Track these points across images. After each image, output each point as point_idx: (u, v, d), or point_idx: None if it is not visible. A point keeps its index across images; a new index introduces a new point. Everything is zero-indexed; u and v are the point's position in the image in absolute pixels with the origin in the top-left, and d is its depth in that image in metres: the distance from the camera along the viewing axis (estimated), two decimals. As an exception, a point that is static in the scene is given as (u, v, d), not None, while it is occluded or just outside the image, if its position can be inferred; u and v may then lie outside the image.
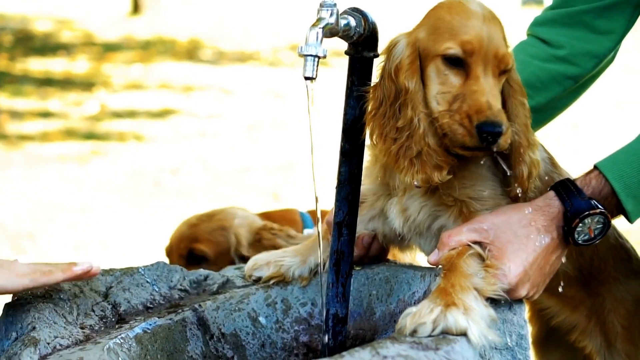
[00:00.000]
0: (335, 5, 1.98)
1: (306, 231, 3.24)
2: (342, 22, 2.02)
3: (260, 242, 3.08)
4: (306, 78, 1.93)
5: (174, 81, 10.83)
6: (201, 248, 3.11)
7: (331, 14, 1.98)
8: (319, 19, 1.97)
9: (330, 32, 1.98)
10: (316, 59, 1.91)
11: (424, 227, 2.20)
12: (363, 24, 2.07)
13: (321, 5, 1.98)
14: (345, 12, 2.07)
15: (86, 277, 2.12)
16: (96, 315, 2.11)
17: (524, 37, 2.78)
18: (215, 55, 12.82)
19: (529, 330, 2.09)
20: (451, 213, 2.17)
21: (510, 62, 2.09)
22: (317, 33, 1.93)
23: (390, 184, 2.24)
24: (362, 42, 2.11)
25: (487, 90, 2.02)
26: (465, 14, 2.07)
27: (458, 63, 2.05)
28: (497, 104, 2.03)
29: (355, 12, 2.08)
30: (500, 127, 2.00)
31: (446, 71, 2.06)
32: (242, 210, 3.26)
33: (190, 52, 13.00)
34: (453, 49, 2.04)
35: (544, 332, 2.62)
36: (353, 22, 2.05)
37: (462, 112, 2.02)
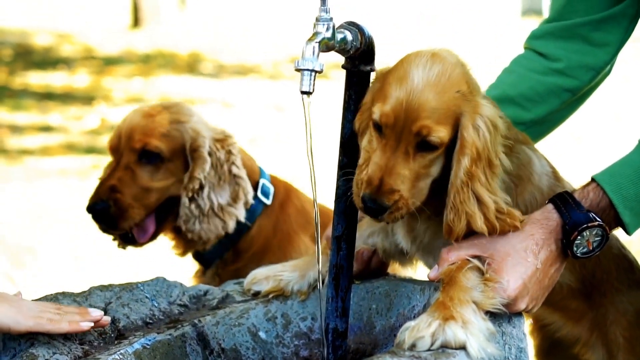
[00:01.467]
0: (331, 19, 1.99)
1: (261, 181, 3.01)
2: (339, 36, 2.03)
3: (210, 155, 2.86)
4: (303, 92, 1.94)
5: (174, 94, 10.83)
6: (156, 144, 2.82)
7: (327, 28, 1.98)
8: (316, 34, 1.97)
9: (326, 46, 1.99)
10: (313, 74, 1.92)
11: (433, 246, 2.20)
12: (360, 38, 2.08)
13: (317, 20, 1.99)
14: (341, 26, 2.07)
15: (95, 327, 2.08)
16: (95, 331, 2.11)
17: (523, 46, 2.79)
18: (216, 68, 12.84)
19: (528, 343, 2.09)
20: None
21: (436, 137, 2.00)
22: (314, 47, 1.94)
23: None
24: (358, 56, 2.12)
25: (384, 165, 2.00)
26: (403, 79, 2.02)
27: (380, 129, 2.05)
28: (390, 180, 1.99)
29: (352, 26, 2.08)
30: (378, 204, 2.00)
31: (373, 132, 2.07)
32: (197, 111, 3.01)
33: (191, 66, 13.01)
34: (376, 114, 2.04)
35: (546, 345, 2.62)
36: (349, 36, 2.06)
37: (360, 178, 2.05)
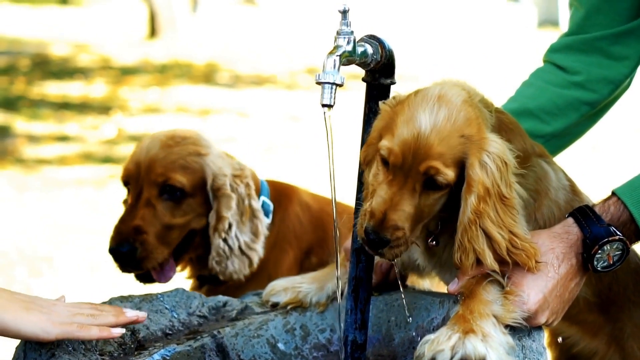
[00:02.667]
0: (352, 32, 1.99)
1: (261, 198, 2.88)
2: (359, 49, 2.03)
3: (233, 191, 2.75)
4: (324, 105, 1.94)
5: (190, 104, 10.87)
6: (179, 179, 2.68)
7: (348, 42, 1.99)
8: (336, 47, 1.98)
9: (347, 59, 1.99)
10: (334, 87, 1.92)
11: (451, 263, 2.20)
12: (380, 51, 2.08)
13: (338, 33, 1.99)
14: (362, 40, 2.08)
15: (132, 323, 2.09)
16: (115, 342, 2.12)
17: (540, 57, 2.79)
18: (232, 78, 12.88)
19: (547, 356, 2.08)
20: None
21: (443, 178, 2.00)
22: (335, 61, 1.94)
23: None
24: (379, 69, 2.12)
25: (390, 200, 2.01)
26: (409, 121, 2.02)
27: (387, 164, 2.05)
28: (395, 216, 1.99)
29: (372, 39, 2.09)
30: (380, 238, 2.00)
31: (380, 166, 2.08)
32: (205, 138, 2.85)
33: (207, 76, 13.06)
34: (383, 150, 2.04)
35: (563, 358, 2.61)
36: (370, 50, 2.07)
37: (365, 209, 2.05)
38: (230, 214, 2.71)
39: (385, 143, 2.03)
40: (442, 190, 2.03)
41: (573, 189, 2.33)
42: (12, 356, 2.08)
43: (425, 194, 2.02)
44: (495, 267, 2.01)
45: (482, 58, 13.85)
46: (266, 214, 2.86)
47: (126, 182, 2.75)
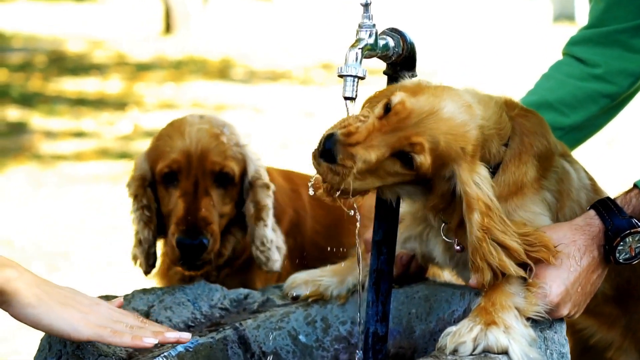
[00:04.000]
0: (374, 26, 2.00)
1: None
2: (381, 42, 2.04)
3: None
4: (346, 98, 1.95)
5: (205, 100, 10.88)
6: (232, 166, 2.64)
7: (370, 35, 2.00)
8: (358, 40, 1.98)
9: (369, 52, 2.00)
10: (356, 80, 1.93)
11: None
12: (401, 44, 2.09)
13: (360, 26, 1.99)
14: (383, 33, 2.08)
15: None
16: (138, 334, 2.12)
17: (556, 52, 2.79)
18: (247, 74, 12.89)
19: (569, 348, 2.08)
20: None
21: (420, 156, 1.99)
22: (357, 54, 1.95)
23: (429, 218, 2.24)
24: (400, 62, 2.13)
25: (367, 136, 1.98)
26: (434, 95, 2.04)
27: (387, 111, 2.03)
28: (362, 149, 1.97)
29: (394, 32, 2.10)
30: (335, 151, 1.97)
31: (377, 109, 2.05)
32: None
33: (222, 72, 13.07)
34: (397, 97, 2.02)
35: (579, 349, 2.61)
36: (392, 43, 2.07)
37: (345, 121, 2.02)
38: (269, 202, 2.70)
39: (399, 97, 2.00)
40: (407, 169, 2.00)
41: (594, 188, 2.33)
42: (37, 347, 2.09)
43: (393, 161, 2.00)
44: (521, 272, 1.98)
45: (498, 53, 13.82)
46: None
47: (172, 173, 2.64)
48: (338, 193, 2.02)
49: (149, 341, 1.96)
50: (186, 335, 2.04)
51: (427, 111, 1.99)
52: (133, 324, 2.00)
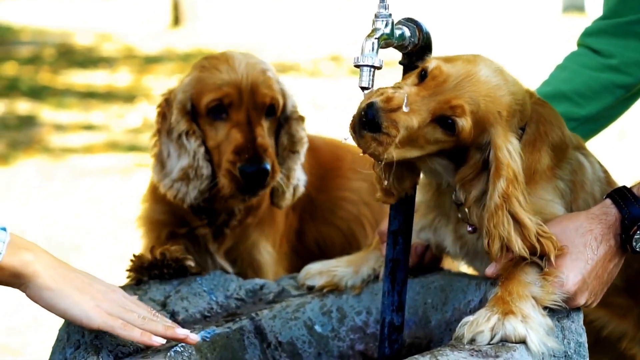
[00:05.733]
0: (390, 15, 2.00)
1: None
2: (397, 32, 2.04)
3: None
4: (362, 88, 1.95)
5: (214, 93, 10.88)
6: (278, 98, 2.66)
7: (386, 25, 1.99)
8: (375, 30, 1.98)
9: (385, 42, 2.00)
10: (372, 70, 1.93)
11: (484, 252, 2.20)
12: (417, 34, 2.09)
13: (376, 16, 1.99)
14: (399, 23, 2.08)
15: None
16: (155, 324, 2.13)
17: (565, 43, 2.78)
18: (255, 66, 12.87)
19: (586, 337, 2.08)
20: None
21: (462, 119, 1.99)
22: (373, 43, 1.95)
23: (441, 206, 2.25)
24: (416, 52, 2.12)
25: (411, 102, 1.98)
26: (471, 60, 2.06)
27: (423, 78, 2.05)
28: (403, 116, 1.96)
29: (410, 22, 2.09)
30: (378, 118, 1.95)
31: (415, 77, 2.07)
32: None
33: (230, 64, 13.05)
34: (432, 63, 2.05)
35: (591, 341, 2.61)
36: (408, 33, 2.07)
37: (382, 89, 2.02)
38: (305, 136, 2.72)
39: (434, 63, 2.01)
40: (448, 135, 1.99)
41: (608, 181, 2.33)
42: (55, 337, 2.10)
43: (434, 127, 1.99)
44: (524, 253, 1.99)
45: (508, 43, 13.79)
46: None
47: (220, 106, 2.62)
48: (381, 164, 2.02)
49: (157, 340, 1.97)
50: (194, 337, 2.03)
51: (464, 74, 2.00)
52: (146, 315, 2.00)
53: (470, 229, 2.15)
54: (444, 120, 1.99)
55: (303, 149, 2.71)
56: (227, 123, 2.61)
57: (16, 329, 4.76)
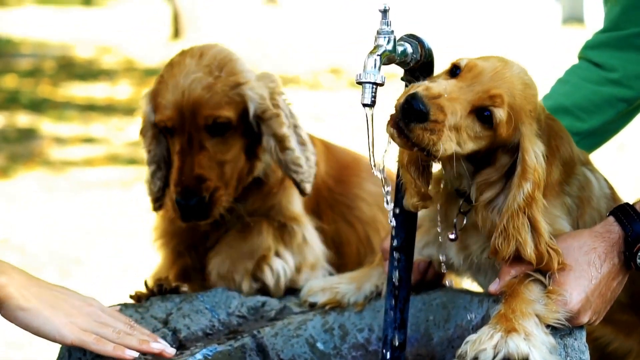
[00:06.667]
0: (392, 32, 1.99)
1: None
2: (399, 48, 2.03)
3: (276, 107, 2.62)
4: (364, 105, 1.93)
5: (214, 105, 10.89)
6: (226, 115, 2.54)
7: (388, 41, 1.99)
8: (377, 46, 1.97)
9: (387, 59, 1.99)
10: (374, 86, 1.92)
11: (489, 266, 2.19)
12: (420, 50, 2.08)
13: (379, 33, 1.99)
14: (402, 39, 2.08)
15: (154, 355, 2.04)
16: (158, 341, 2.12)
17: (565, 54, 2.78)
18: (255, 79, 12.88)
19: (589, 355, 2.07)
20: None
21: (500, 112, 2.00)
22: (375, 60, 1.94)
23: (449, 217, 2.23)
24: (418, 68, 2.12)
25: (451, 92, 1.98)
26: (496, 57, 2.08)
27: (454, 73, 2.07)
28: (447, 102, 1.95)
29: (412, 38, 2.09)
30: (422, 107, 1.92)
31: (448, 76, 2.09)
32: (235, 53, 2.69)
33: (230, 77, 13.06)
34: (464, 60, 2.07)
35: (596, 357, 2.60)
36: (410, 49, 2.06)
37: (423, 82, 2.02)
38: (288, 131, 2.62)
39: (467, 59, 2.03)
40: (486, 129, 1.99)
41: (614, 197, 2.33)
42: (57, 355, 2.09)
43: (472, 119, 1.99)
44: (533, 259, 1.98)
45: (508, 55, 13.82)
46: None
47: (167, 128, 2.57)
48: (432, 157, 1.98)
49: (130, 354, 1.98)
50: (170, 350, 2.04)
51: (500, 68, 2.02)
52: (121, 329, 2.02)
53: (452, 236, 2.16)
54: (481, 112, 1.99)
55: (291, 144, 2.61)
56: (175, 144, 2.58)
57: (17, 343, 4.75)
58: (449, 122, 1.94)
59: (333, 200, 2.85)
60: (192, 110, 2.52)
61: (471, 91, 1.98)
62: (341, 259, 2.76)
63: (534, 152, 2.00)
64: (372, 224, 2.89)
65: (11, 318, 1.95)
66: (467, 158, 2.07)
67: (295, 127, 2.67)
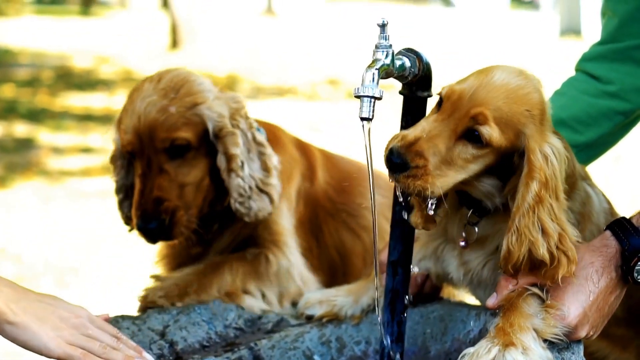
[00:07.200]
0: (390, 46, 2.00)
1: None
2: (398, 62, 2.04)
3: (234, 127, 2.61)
4: (362, 119, 1.94)
5: (212, 115, 10.90)
6: (184, 136, 2.54)
7: (387, 55, 1.99)
8: (375, 60, 1.98)
9: (386, 73, 1.99)
10: (373, 100, 1.92)
11: (489, 281, 2.19)
12: (417, 64, 2.09)
13: (377, 47, 1.99)
14: (400, 53, 2.08)
15: None
16: (154, 354, 2.13)
17: (562, 66, 2.78)
18: (253, 90, 12.92)
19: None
20: None
21: (487, 132, 1.98)
22: (374, 74, 1.94)
23: (449, 231, 2.24)
24: (416, 82, 2.13)
25: (428, 131, 1.99)
26: (483, 72, 2.05)
27: (440, 103, 2.05)
28: (424, 144, 1.97)
29: (410, 52, 2.09)
30: (402, 159, 1.96)
31: (435, 107, 2.07)
32: (197, 76, 2.67)
33: (228, 87, 13.09)
34: (444, 88, 2.05)
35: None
36: (408, 63, 2.07)
37: (400, 132, 2.02)
38: (239, 151, 2.60)
39: (446, 87, 2.02)
40: (481, 148, 1.98)
41: (612, 211, 2.32)
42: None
43: (464, 144, 1.99)
44: (547, 258, 1.96)
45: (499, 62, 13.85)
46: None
47: (129, 152, 2.60)
48: (430, 200, 2.00)
49: None
50: None
51: (478, 85, 2.00)
52: (108, 342, 2.02)
53: (462, 243, 2.16)
54: (470, 134, 1.98)
55: (238, 165, 2.58)
56: (138, 168, 2.60)
57: (14, 351, 4.74)
58: (432, 163, 1.96)
59: (335, 210, 2.83)
60: (149, 134, 2.53)
61: (453, 119, 1.98)
62: (347, 268, 2.75)
63: (540, 152, 1.98)
64: (379, 233, 2.88)
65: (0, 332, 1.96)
66: (489, 175, 2.06)
67: (260, 153, 2.65)
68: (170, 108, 2.54)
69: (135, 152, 2.57)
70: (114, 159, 2.71)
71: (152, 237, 2.59)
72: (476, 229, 2.16)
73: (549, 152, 2.00)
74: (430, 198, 2.00)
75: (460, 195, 2.14)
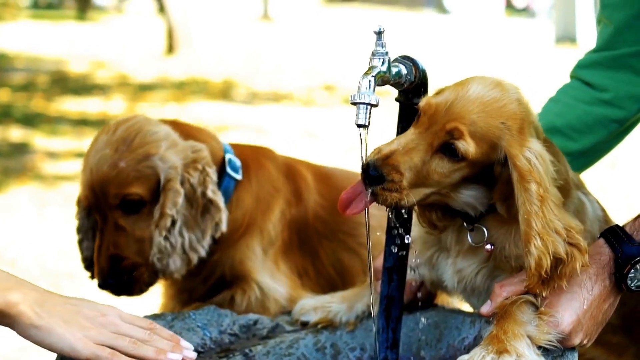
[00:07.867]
0: (387, 53, 2.00)
1: (227, 156, 2.72)
2: (394, 69, 2.04)
3: (183, 183, 2.56)
4: (359, 126, 1.95)
5: (208, 121, 10.91)
6: (135, 191, 2.51)
7: (383, 62, 2.00)
8: (371, 67, 1.98)
9: (382, 80, 2.00)
10: (369, 107, 1.93)
11: (483, 289, 2.20)
12: (414, 71, 2.10)
13: (373, 54, 2.00)
14: (396, 60, 2.09)
15: None
16: (149, 360, 2.12)
17: (558, 73, 2.79)
18: (249, 95, 12.93)
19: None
20: (510, 275, 2.13)
21: (463, 146, 1.98)
22: (370, 81, 1.95)
23: (442, 239, 2.24)
24: (412, 89, 2.13)
25: (405, 145, 2.02)
26: (460, 85, 2.06)
27: (419, 116, 2.07)
28: (399, 158, 2.00)
29: (406, 59, 2.10)
30: (378, 172, 1.98)
31: (415, 122, 2.08)
32: (154, 124, 2.61)
33: (224, 92, 13.11)
34: (422, 102, 2.06)
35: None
36: (404, 70, 2.08)
37: (378, 147, 2.04)
38: (174, 211, 2.55)
39: (424, 100, 2.03)
40: (457, 161, 1.99)
41: (606, 219, 2.33)
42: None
43: (440, 157, 2.00)
44: (564, 255, 1.94)
45: (501, 74, 13.88)
46: (235, 170, 2.73)
47: (88, 210, 2.63)
48: (404, 211, 2.04)
49: None
50: (191, 355, 2.04)
51: (453, 98, 2.00)
52: (139, 337, 2.00)
53: (488, 247, 2.13)
54: (447, 148, 1.99)
55: (166, 225, 2.55)
56: (97, 221, 2.60)
57: (9, 356, 4.74)
58: (406, 177, 1.98)
59: (329, 232, 2.83)
60: (102, 190, 2.51)
61: (430, 133, 2.00)
62: (346, 286, 2.73)
63: (524, 156, 1.98)
64: (378, 247, 2.89)
65: (25, 335, 1.94)
66: (468, 185, 2.06)
67: (205, 210, 2.61)
68: (120, 163, 2.50)
69: (91, 206, 2.56)
70: (78, 201, 2.69)
71: (113, 293, 2.59)
72: (485, 230, 2.15)
73: (530, 156, 1.99)
74: (406, 209, 2.04)
75: (444, 208, 2.15)
